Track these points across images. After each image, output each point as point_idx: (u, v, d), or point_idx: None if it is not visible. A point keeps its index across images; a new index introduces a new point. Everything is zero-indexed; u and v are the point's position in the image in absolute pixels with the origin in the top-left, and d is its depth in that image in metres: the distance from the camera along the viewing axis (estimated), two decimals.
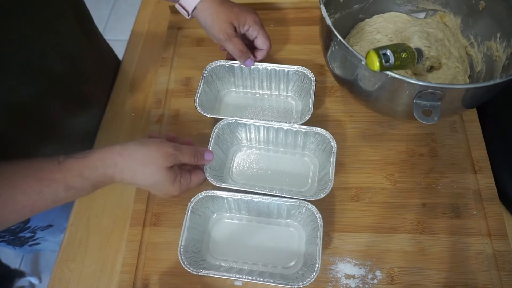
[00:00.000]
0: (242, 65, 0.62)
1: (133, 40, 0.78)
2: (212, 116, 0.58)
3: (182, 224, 0.50)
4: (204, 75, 0.62)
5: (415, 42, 0.57)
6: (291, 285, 0.46)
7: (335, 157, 0.53)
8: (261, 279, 0.47)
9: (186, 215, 0.51)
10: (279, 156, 0.60)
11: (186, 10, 0.58)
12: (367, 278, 0.51)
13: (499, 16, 0.56)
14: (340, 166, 0.59)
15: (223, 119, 0.57)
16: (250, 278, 0.47)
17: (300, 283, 0.46)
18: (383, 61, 0.43)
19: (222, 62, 0.62)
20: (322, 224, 0.49)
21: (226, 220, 0.56)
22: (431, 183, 0.57)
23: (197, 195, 0.52)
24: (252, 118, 0.58)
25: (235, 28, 0.58)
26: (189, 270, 0.48)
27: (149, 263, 0.55)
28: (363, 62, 0.45)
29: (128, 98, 0.71)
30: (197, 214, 0.53)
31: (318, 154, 0.58)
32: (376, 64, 0.42)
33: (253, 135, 0.59)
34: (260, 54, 0.62)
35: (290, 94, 0.66)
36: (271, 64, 0.61)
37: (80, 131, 0.66)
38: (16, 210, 0.41)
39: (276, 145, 0.60)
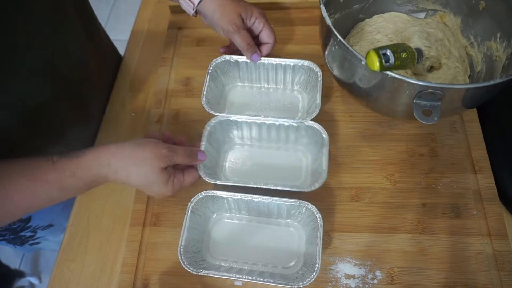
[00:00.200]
0: (248, 60, 0.62)
1: (133, 40, 0.78)
2: (219, 114, 0.58)
3: (182, 224, 0.50)
4: (210, 71, 0.61)
5: (415, 42, 0.57)
6: (291, 285, 0.46)
7: (327, 149, 0.53)
8: (261, 279, 0.47)
9: (186, 215, 0.51)
10: (272, 152, 0.61)
11: (192, 3, 0.58)
12: (367, 278, 0.51)
13: (499, 16, 0.56)
14: (340, 166, 0.59)
15: (216, 116, 0.57)
16: (250, 278, 0.47)
17: (300, 283, 0.46)
18: (383, 61, 0.43)
19: (227, 57, 0.62)
20: (322, 224, 0.49)
21: (226, 220, 0.56)
22: (431, 183, 0.57)
23: (197, 195, 0.52)
24: (257, 114, 0.58)
25: (243, 20, 0.58)
26: (189, 270, 0.48)
27: (149, 263, 0.55)
28: (363, 62, 0.45)
29: (128, 98, 0.71)
30: (197, 214, 0.53)
31: (310, 147, 0.59)
32: (376, 64, 0.42)
33: (245, 133, 0.59)
34: (265, 49, 0.62)
35: (296, 88, 0.66)
36: (276, 59, 0.61)
37: (85, 131, 0.67)
38: (9, 209, 0.41)
39: (268, 142, 0.60)
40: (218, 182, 0.53)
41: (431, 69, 0.59)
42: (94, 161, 0.44)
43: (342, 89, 0.64)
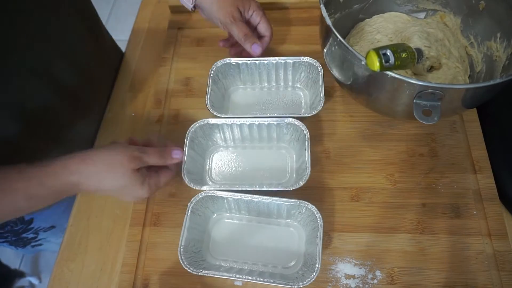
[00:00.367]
0: (248, 61, 0.62)
1: (133, 40, 0.78)
2: (225, 116, 0.58)
3: (182, 224, 0.50)
4: (211, 74, 0.62)
5: (415, 42, 0.57)
6: (291, 285, 0.46)
7: (309, 145, 0.54)
8: (261, 279, 0.47)
9: (186, 215, 0.51)
10: (256, 152, 0.61)
11: None
12: (367, 278, 0.51)
13: (499, 16, 0.56)
14: (340, 166, 0.59)
15: (197, 122, 0.57)
16: (250, 278, 0.47)
17: (300, 283, 0.46)
18: (383, 61, 0.43)
19: (227, 60, 0.62)
20: (322, 224, 0.49)
21: (226, 220, 0.56)
22: (431, 183, 0.57)
23: (197, 195, 0.52)
24: (262, 115, 0.58)
25: (240, 13, 0.59)
26: (189, 270, 0.48)
27: (149, 263, 0.55)
28: (363, 62, 0.45)
29: (128, 98, 0.71)
30: (197, 214, 0.53)
31: (293, 144, 0.59)
32: (376, 64, 0.42)
33: (227, 134, 0.60)
34: (262, 42, 0.61)
35: (297, 86, 0.66)
36: (276, 58, 0.62)
37: (85, 132, 0.66)
38: None
39: (251, 141, 0.61)
40: (204, 188, 0.53)
41: (431, 69, 0.59)
42: (63, 169, 0.43)
43: (342, 89, 0.64)
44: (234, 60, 0.62)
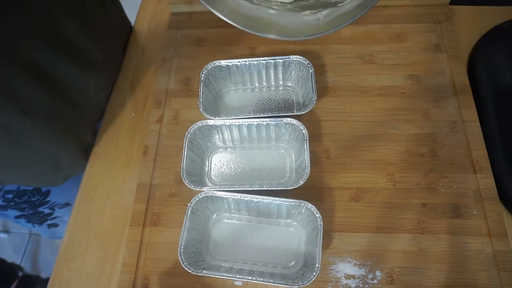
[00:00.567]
0: (237, 63, 0.62)
1: (133, 40, 0.78)
2: (218, 119, 0.58)
3: (182, 224, 0.50)
4: (202, 78, 0.62)
5: None
6: (291, 285, 0.46)
7: (308, 144, 0.54)
8: (261, 279, 0.47)
9: (186, 215, 0.51)
10: (255, 152, 0.61)
11: None
12: (367, 278, 0.51)
13: None
14: (340, 166, 0.59)
15: (196, 123, 0.57)
16: (250, 278, 0.47)
17: (300, 283, 0.46)
18: None
19: (217, 62, 0.62)
20: (322, 224, 0.49)
21: (226, 220, 0.56)
22: (431, 183, 0.57)
23: (197, 195, 0.52)
24: (253, 115, 0.58)
25: None
26: (189, 271, 0.48)
27: (149, 263, 0.55)
28: None
29: (128, 98, 0.71)
30: (197, 214, 0.53)
31: (292, 144, 0.59)
32: None
33: (226, 136, 0.60)
34: None
35: (289, 84, 0.66)
36: (265, 58, 0.62)
37: (86, 131, 0.66)
38: None
39: (250, 142, 0.61)
40: (204, 189, 0.53)
41: None
42: None
43: (342, 89, 0.64)
44: (224, 62, 0.63)
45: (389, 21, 0.71)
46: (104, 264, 0.57)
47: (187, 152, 0.56)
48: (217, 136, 0.60)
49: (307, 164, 0.52)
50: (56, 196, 0.71)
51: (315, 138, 0.61)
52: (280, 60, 0.62)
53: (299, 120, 0.56)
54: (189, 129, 0.57)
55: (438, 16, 0.70)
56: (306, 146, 0.54)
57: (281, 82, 0.66)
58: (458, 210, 0.55)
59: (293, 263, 0.52)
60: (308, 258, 0.50)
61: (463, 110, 0.61)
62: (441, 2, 0.71)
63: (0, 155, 0.54)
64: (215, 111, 0.64)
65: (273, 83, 0.66)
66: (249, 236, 0.55)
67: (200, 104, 0.59)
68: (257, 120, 0.56)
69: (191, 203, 0.52)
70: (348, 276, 0.52)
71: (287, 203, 0.51)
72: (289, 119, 0.56)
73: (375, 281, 0.51)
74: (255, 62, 0.62)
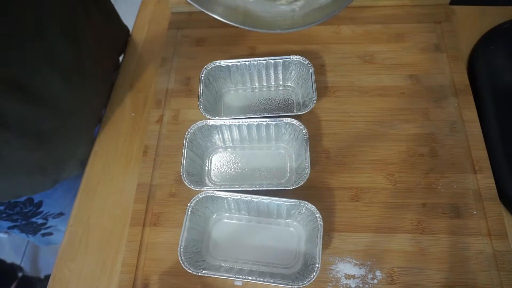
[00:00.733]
0: (237, 63, 0.62)
1: (133, 40, 0.78)
2: (218, 119, 0.58)
3: (182, 224, 0.50)
4: (202, 78, 0.62)
5: None
6: (291, 285, 0.46)
7: (308, 144, 0.54)
8: (262, 279, 0.47)
9: (186, 215, 0.51)
10: (255, 152, 0.61)
11: None
12: (367, 278, 0.51)
13: None
14: (340, 166, 0.59)
15: (195, 124, 0.57)
16: (250, 278, 0.47)
17: (300, 283, 0.46)
18: None
19: (217, 62, 0.62)
20: (322, 224, 0.49)
21: (226, 220, 0.56)
22: (431, 183, 0.57)
23: (197, 195, 0.52)
24: (253, 116, 0.58)
25: None
26: (189, 271, 0.48)
27: (149, 263, 0.55)
28: None
29: (128, 98, 0.71)
30: (197, 214, 0.53)
31: (292, 144, 0.59)
32: None
33: (226, 135, 0.60)
34: None
35: (289, 84, 0.66)
36: (265, 58, 0.62)
37: (85, 131, 0.66)
38: None
39: (250, 142, 0.61)
40: (204, 189, 0.53)
41: None
42: None
43: (342, 89, 0.64)
44: (224, 62, 0.63)
45: (389, 21, 0.71)
46: (104, 264, 0.57)
47: (187, 152, 0.56)
48: (217, 136, 0.60)
49: (307, 164, 0.52)
50: (49, 207, 0.70)
51: (315, 138, 0.61)
52: (280, 60, 0.62)
53: (299, 120, 0.56)
54: (189, 129, 0.57)
55: (438, 16, 0.71)
56: (306, 146, 0.54)
57: (281, 82, 0.66)
58: (458, 210, 0.55)
59: (293, 263, 0.52)
60: (308, 258, 0.50)
61: (463, 110, 0.61)
62: (441, 2, 0.72)
63: None
64: (215, 111, 0.64)
65: (273, 83, 0.66)
66: (249, 236, 0.55)
67: (200, 104, 0.59)
68: (257, 120, 0.56)
69: (191, 203, 0.52)
70: (348, 276, 0.52)
71: (287, 203, 0.51)
72: (289, 119, 0.56)
73: (375, 281, 0.51)
74: (255, 62, 0.62)
